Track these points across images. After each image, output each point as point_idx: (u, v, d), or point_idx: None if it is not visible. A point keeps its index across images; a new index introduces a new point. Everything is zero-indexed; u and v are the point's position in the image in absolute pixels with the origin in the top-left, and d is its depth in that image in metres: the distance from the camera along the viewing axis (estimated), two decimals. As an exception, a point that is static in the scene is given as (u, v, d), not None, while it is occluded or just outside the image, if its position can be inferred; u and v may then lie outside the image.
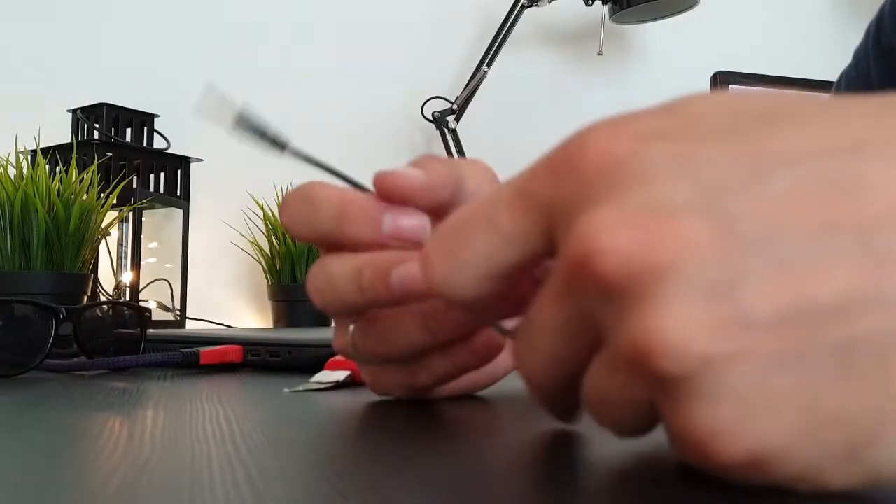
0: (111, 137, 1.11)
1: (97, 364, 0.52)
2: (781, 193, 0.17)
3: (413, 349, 0.33)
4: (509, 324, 0.26)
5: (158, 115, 1.20)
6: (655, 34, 1.67)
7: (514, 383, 0.45)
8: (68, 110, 1.15)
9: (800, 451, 0.17)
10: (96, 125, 1.12)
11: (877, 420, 0.17)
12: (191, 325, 1.13)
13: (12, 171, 0.75)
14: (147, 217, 1.10)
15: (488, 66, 1.40)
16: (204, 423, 0.31)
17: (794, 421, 0.17)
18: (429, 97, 1.41)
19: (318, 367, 0.46)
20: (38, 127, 0.87)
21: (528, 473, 0.23)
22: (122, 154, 1.09)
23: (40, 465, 0.23)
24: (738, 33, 1.76)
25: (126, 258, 1.06)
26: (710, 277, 0.17)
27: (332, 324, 0.36)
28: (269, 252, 1.16)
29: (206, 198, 1.25)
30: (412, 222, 0.30)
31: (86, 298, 0.77)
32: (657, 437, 0.22)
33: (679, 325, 0.17)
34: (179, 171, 1.17)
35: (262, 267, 1.17)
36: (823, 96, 0.20)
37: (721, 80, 1.57)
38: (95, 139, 1.08)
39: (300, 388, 0.42)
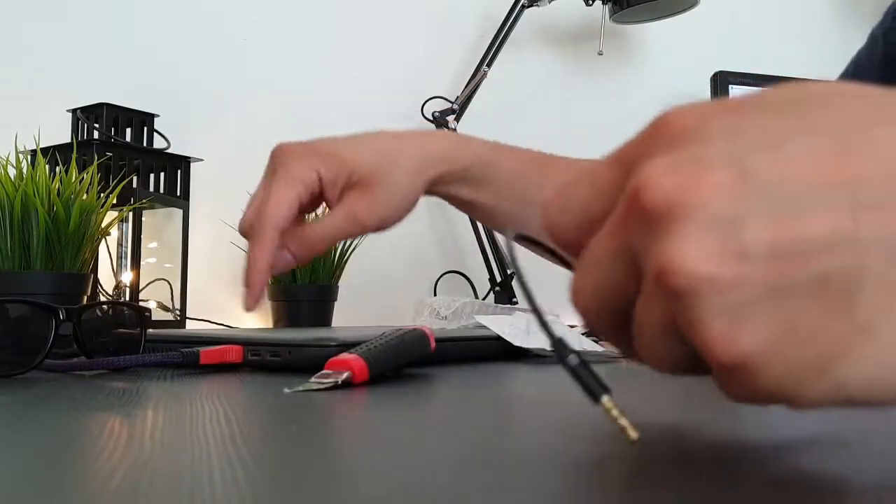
0: (111, 137, 1.11)
1: (97, 364, 0.52)
2: (795, 154, 0.21)
3: None
4: None
5: (158, 115, 1.20)
6: (655, 34, 1.67)
7: (515, 388, 0.45)
8: (68, 110, 1.15)
9: (779, 360, 0.21)
10: (96, 125, 1.12)
11: (842, 342, 0.21)
12: (191, 325, 1.13)
13: (12, 171, 0.75)
14: (147, 217, 1.10)
15: (488, 66, 1.40)
16: (204, 423, 0.31)
17: (776, 334, 0.21)
18: (429, 97, 1.40)
19: (318, 367, 0.46)
20: (37, 127, 0.87)
21: (534, 469, 0.23)
22: (122, 154, 1.09)
23: (40, 465, 0.23)
24: (738, 33, 1.76)
25: (126, 258, 1.06)
26: (722, 217, 0.21)
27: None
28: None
29: (206, 198, 1.25)
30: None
31: (86, 298, 0.77)
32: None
33: (692, 252, 0.21)
34: (179, 171, 1.17)
35: (262, 267, 1.17)
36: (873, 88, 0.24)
37: (721, 80, 1.57)
38: (95, 139, 1.08)
39: (300, 388, 0.42)
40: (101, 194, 0.80)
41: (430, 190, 0.65)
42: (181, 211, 1.14)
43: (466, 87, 1.40)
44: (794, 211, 0.21)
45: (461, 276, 1.49)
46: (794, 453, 0.26)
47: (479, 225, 1.36)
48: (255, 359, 0.55)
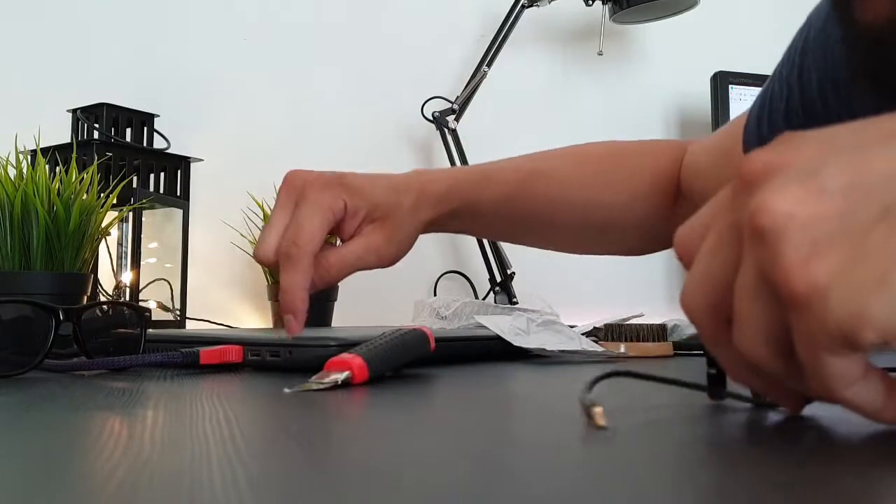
0: (111, 137, 1.11)
1: (97, 364, 0.52)
2: (869, 138, 0.28)
3: None
4: None
5: (158, 115, 1.20)
6: (655, 34, 1.67)
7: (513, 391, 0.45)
8: (68, 110, 1.15)
9: (848, 281, 0.25)
10: (96, 125, 1.12)
11: None
12: (191, 325, 1.13)
13: (12, 171, 0.75)
14: (147, 217, 1.10)
15: (488, 66, 1.40)
16: (204, 423, 0.31)
17: (845, 260, 0.25)
18: (429, 97, 1.40)
19: (318, 367, 0.46)
20: (37, 127, 0.87)
21: (534, 469, 0.23)
22: (122, 154, 1.09)
23: (40, 465, 0.23)
24: (738, 33, 1.76)
25: (126, 258, 1.06)
26: (805, 169, 0.26)
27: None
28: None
29: (206, 198, 1.25)
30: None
31: (86, 298, 0.77)
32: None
33: (777, 196, 0.26)
34: (179, 171, 1.17)
35: (262, 267, 1.17)
36: None
37: (721, 80, 1.57)
38: (95, 139, 1.08)
39: (300, 388, 0.42)
40: (101, 194, 0.80)
41: (425, 232, 0.69)
42: (181, 211, 1.14)
43: (466, 87, 1.40)
44: (863, 156, 0.26)
45: (461, 276, 1.49)
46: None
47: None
48: (255, 359, 0.55)
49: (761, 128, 0.66)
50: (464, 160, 1.37)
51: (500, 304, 1.28)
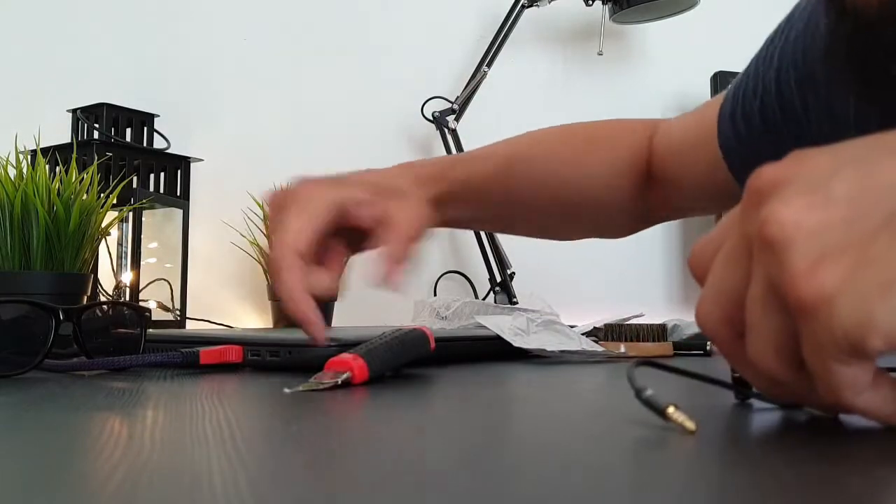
0: (111, 137, 1.11)
1: (97, 364, 0.52)
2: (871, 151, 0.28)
3: None
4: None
5: (158, 115, 1.20)
6: (655, 34, 1.67)
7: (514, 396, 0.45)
8: (68, 110, 1.15)
9: (853, 288, 0.25)
10: (96, 125, 1.12)
11: None
12: (191, 325, 1.13)
13: (12, 171, 0.75)
14: (147, 217, 1.10)
15: (488, 66, 1.40)
16: (204, 423, 0.31)
17: (851, 267, 0.25)
18: (429, 97, 1.40)
19: (318, 368, 0.46)
20: (37, 127, 0.87)
21: (534, 469, 0.23)
22: (122, 154, 1.09)
23: (40, 465, 0.23)
24: (738, 33, 1.75)
25: (126, 258, 1.06)
26: (813, 180, 0.27)
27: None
28: (268, 252, 1.15)
29: (206, 198, 1.25)
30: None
31: (86, 298, 0.77)
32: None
33: (784, 206, 0.27)
34: (179, 171, 1.17)
35: (262, 267, 1.17)
36: None
37: (721, 80, 1.57)
38: (95, 139, 1.08)
39: (300, 388, 0.42)
40: (101, 194, 0.80)
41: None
42: (181, 211, 1.14)
43: (466, 87, 1.40)
44: (868, 167, 0.27)
45: (461, 276, 1.49)
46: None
47: (479, 225, 1.36)
48: (254, 359, 0.55)
49: (736, 124, 0.66)
50: (464, 160, 1.37)
51: (500, 304, 1.28)
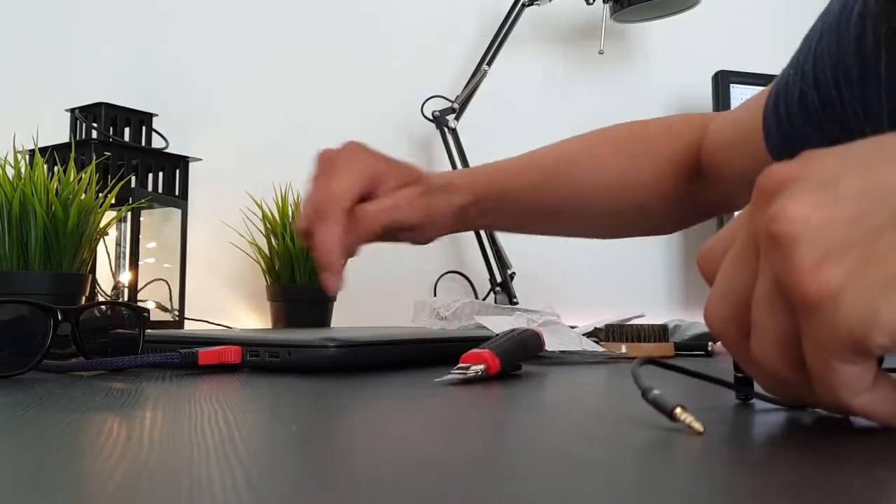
0: (109, 137, 1.10)
1: (95, 364, 0.52)
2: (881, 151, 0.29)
3: None
4: None
5: (157, 115, 1.19)
6: (656, 33, 1.67)
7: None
8: (66, 110, 1.15)
9: (858, 285, 0.25)
10: (94, 125, 1.12)
11: None
12: (189, 326, 1.13)
13: (10, 171, 0.75)
14: (145, 217, 1.09)
15: (488, 65, 1.40)
16: (203, 423, 0.31)
17: (856, 264, 0.25)
18: (429, 97, 1.40)
19: (317, 368, 0.46)
20: (36, 126, 0.87)
21: (535, 469, 0.23)
22: (121, 154, 1.09)
23: (39, 465, 0.23)
24: (738, 33, 1.76)
25: (124, 258, 1.06)
26: (821, 179, 0.27)
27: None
28: (267, 252, 1.15)
29: (204, 198, 1.24)
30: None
31: (84, 299, 0.76)
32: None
33: (792, 203, 0.27)
34: (178, 171, 1.17)
35: (261, 267, 1.17)
36: None
37: (721, 80, 1.57)
38: (94, 139, 1.08)
39: (445, 378, 0.46)
40: (100, 194, 0.80)
41: (460, 226, 0.71)
42: (180, 211, 1.13)
43: (466, 86, 1.40)
44: (876, 167, 0.27)
45: (461, 277, 1.49)
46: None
47: (479, 225, 1.36)
48: (253, 359, 0.55)
49: (779, 118, 0.66)
50: (464, 159, 1.37)
51: (500, 304, 1.28)
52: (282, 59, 1.42)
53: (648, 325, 0.75)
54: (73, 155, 0.84)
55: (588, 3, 1.46)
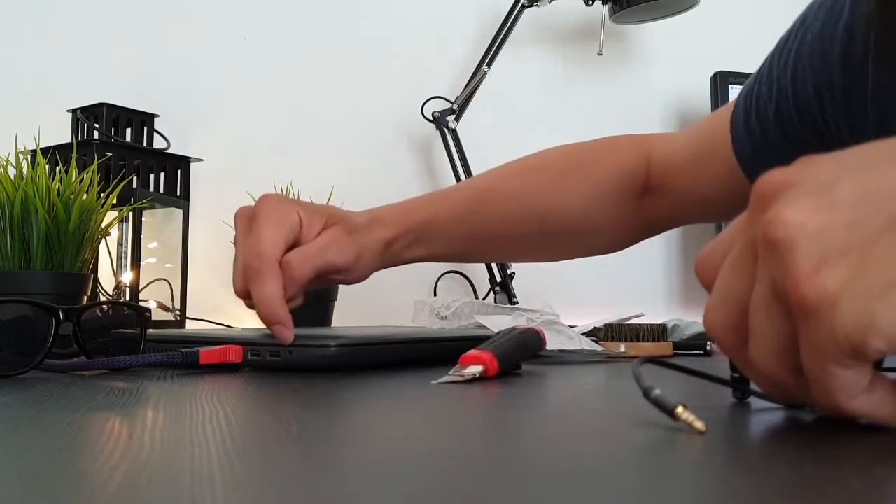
0: (111, 137, 1.11)
1: (97, 364, 0.52)
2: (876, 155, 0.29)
3: None
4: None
5: (158, 115, 1.20)
6: (655, 34, 1.67)
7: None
8: (68, 110, 1.15)
9: (856, 291, 0.25)
10: (96, 125, 1.12)
11: None
12: (191, 325, 1.13)
13: (12, 171, 0.75)
14: (147, 217, 1.10)
15: (488, 66, 1.40)
16: (204, 423, 0.31)
17: (853, 270, 0.25)
18: (429, 97, 1.40)
19: (317, 367, 0.46)
20: (37, 127, 0.87)
21: (534, 470, 0.23)
22: (122, 154, 1.09)
23: (40, 465, 0.23)
24: (738, 33, 1.75)
25: (126, 258, 1.06)
26: (818, 184, 0.27)
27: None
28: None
29: (205, 198, 1.24)
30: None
31: (86, 298, 0.77)
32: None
33: (789, 208, 0.27)
34: (179, 171, 1.17)
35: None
36: None
37: (721, 80, 1.57)
38: (95, 139, 1.08)
39: (442, 380, 0.46)
40: (101, 194, 0.80)
41: (387, 261, 0.69)
42: (181, 211, 1.14)
43: (466, 87, 1.40)
44: (873, 172, 0.27)
45: (461, 276, 1.49)
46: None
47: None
48: (255, 359, 0.55)
49: (751, 130, 0.66)
50: (464, 160, 1.37)
51: (500, 304, 1.28)
52: (282, 59, 1.42)
53: (647, 324, 0.75)
54: (74, 155, 0.84)
55: (587, 5, 1.46)
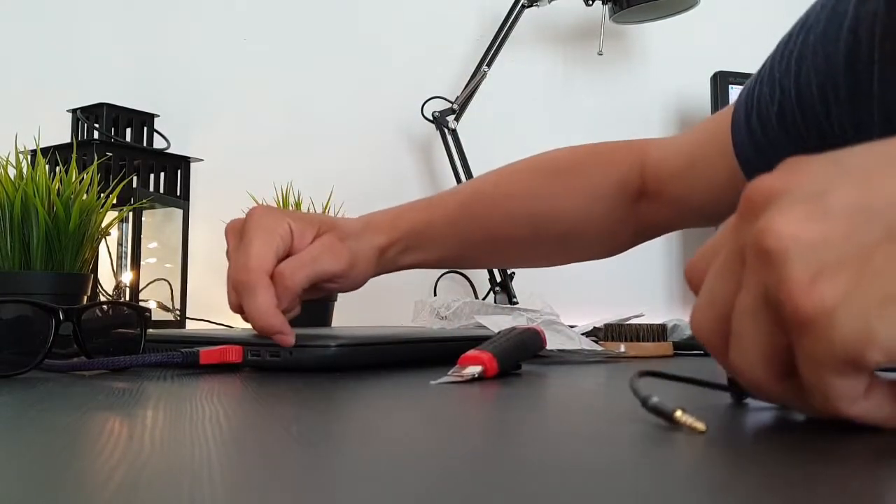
0: (111, 137, 1.11)
1: (97, 364, 0.52)
2: (872, 157, 0.28)
3: None
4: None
5: (158, 115, 1.20)
6: (655, 34, 1.67)
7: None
8: (68, 110, 1.15)
9: (852, 303, 0.25)
10: (96, 125, 1.12)
11: None
12: (191, 325, 1.13)
13: (12, 171, 0.75)
14: (147, 217, 1.10)
15: (488, 66, 1.40)
16: (204, 423, 0.31)
17: (850, 281, 0.25)
18: (429, 97, 1.40)
19: (317, 367, 0.46)
20: (37, 127, 0.87)
21: (534, 470, 0.23)
22: (122, 154, 1.09)
23: (40, 465, 0.23)
24: (738, 33, 1.76)
25: (126, 258, 1.06)
26: (810, 191, 0.27)
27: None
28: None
29: (205, 198, 1.24)
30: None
31: (86, 298, 0.77)
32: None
33: (782, 217, 0.26)
34: (179, 171, 1.17)
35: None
36: None
37: (721, 80, 1.57)
38: (95, 139, 1.08)
39: (441, 380, 0.46)
40: (101, 194, 0.80)
41: (382, 267, 0.69)
42: (181, 211, 1.14)
43: (466, 87, 1.40)
44: (868, 179, 0.27)
45: (461, 277, 1.49)
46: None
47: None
48: (255, 359, 0.55)
49: (752, 131, 0.66)
50: (464, 160, 1.37)
51: (500, 304, 1.28)
52: (281, 60, 1.42)
53: (647, 324, 0.75)
54: (74, 155, 0.84)
55: (587, 5, 1.46)
